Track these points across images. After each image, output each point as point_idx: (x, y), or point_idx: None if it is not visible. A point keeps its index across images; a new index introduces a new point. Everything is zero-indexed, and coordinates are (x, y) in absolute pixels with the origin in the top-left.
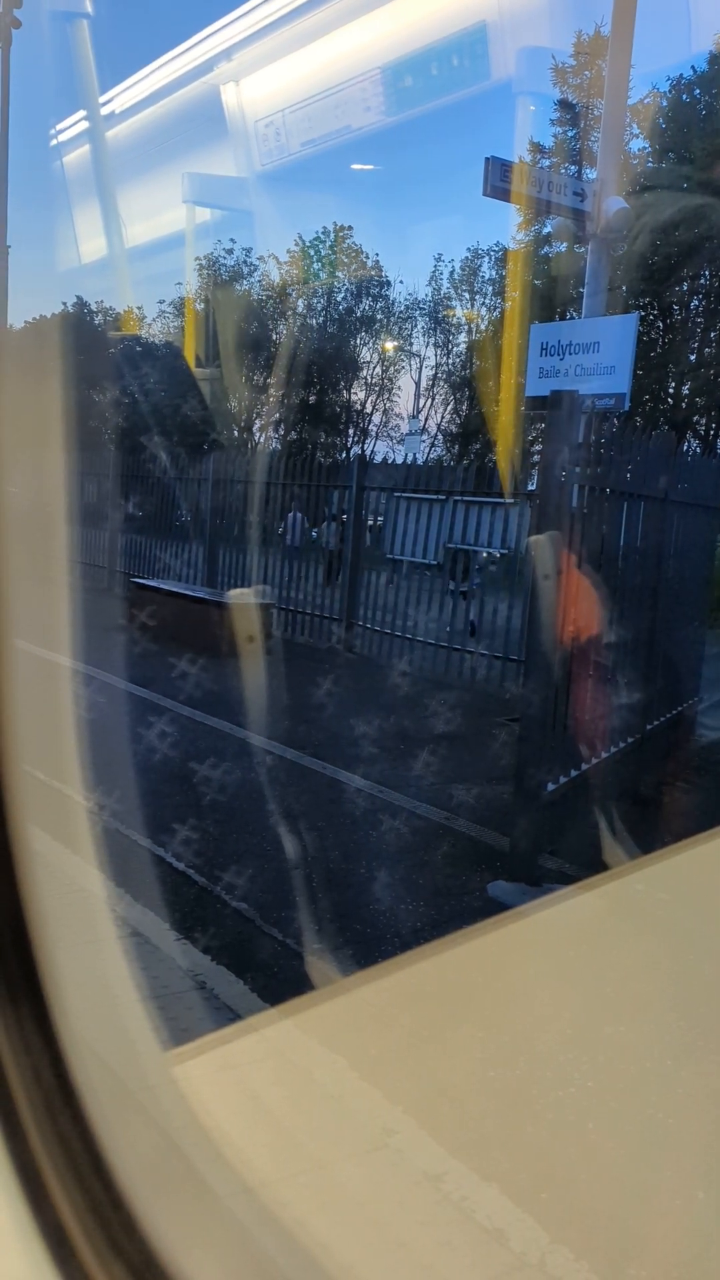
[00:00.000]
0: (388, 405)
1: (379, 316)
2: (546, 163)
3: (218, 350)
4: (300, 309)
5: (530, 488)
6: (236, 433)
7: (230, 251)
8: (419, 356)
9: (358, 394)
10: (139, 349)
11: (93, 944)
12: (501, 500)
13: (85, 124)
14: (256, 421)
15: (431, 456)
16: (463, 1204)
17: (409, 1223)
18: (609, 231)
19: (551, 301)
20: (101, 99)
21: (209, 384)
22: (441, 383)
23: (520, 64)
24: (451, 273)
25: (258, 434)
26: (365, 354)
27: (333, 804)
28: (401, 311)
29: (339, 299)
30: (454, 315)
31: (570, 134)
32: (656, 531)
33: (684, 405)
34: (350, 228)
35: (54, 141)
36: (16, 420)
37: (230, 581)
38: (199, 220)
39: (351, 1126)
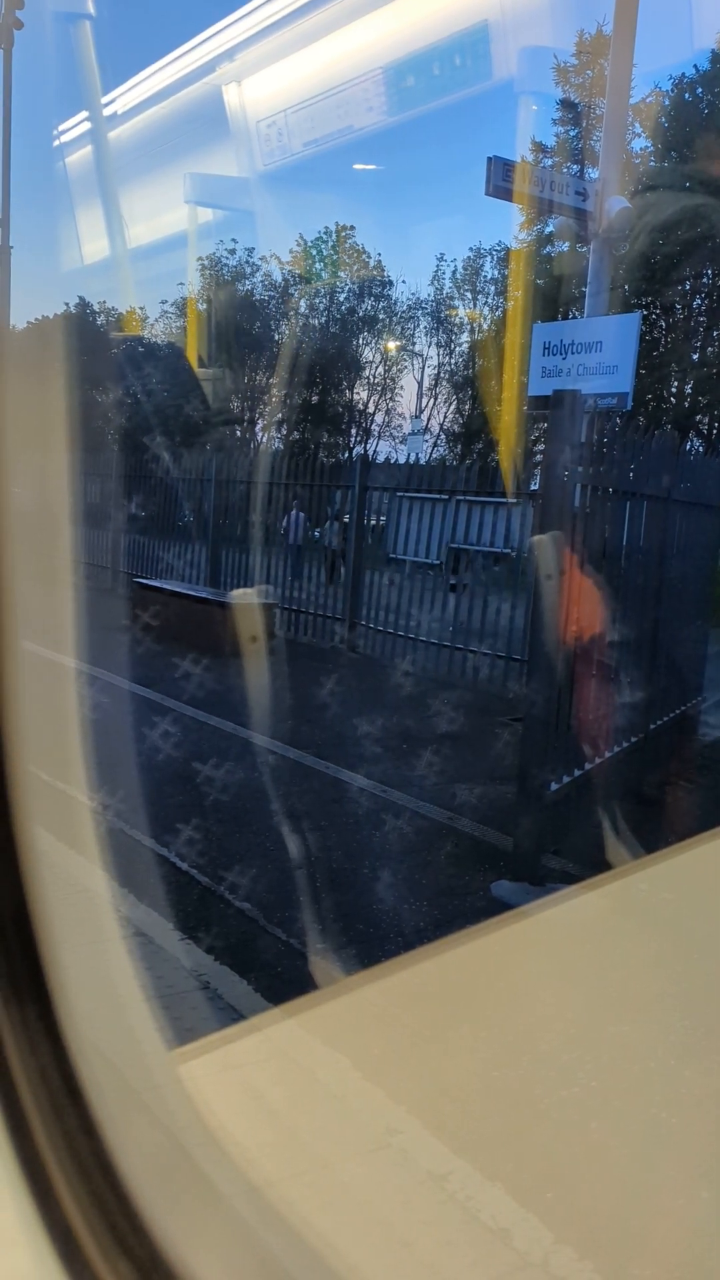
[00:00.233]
0: (390, 405)
1: (381, 316)
2: (549, 162)
3: (220, 350)
4: (302, 309)
5: (533, 487)
6: (239, 433)
7: (232, 252)
8: (421, 356)
9: (360, 394)
10: (141, 349)
11: (97, 944)
12: (504, 500)
13: (87, 125)
14: (259, 421)
15: (434, 456)
16: (467, 1204)
17: (413, 1222)
18: (611, 231)
19: (554, 301)
20: (103, 99)
21: (211, 384)
22: (444, 382)
23: (522, 63)
24: (454, 272)
25: (260, 434)
26: (368, 354)
27: (336, 804)
28: (404, 311)
29: (341, 299)
30: (456, 315)
31: (572, 133)
32: (659, 531)
33: (686, 404)
34: (352, 227)
35: (56, 142)
36: (20, 421)
37: (233, 581)
38: (201, 221)
39: (355, 1126)
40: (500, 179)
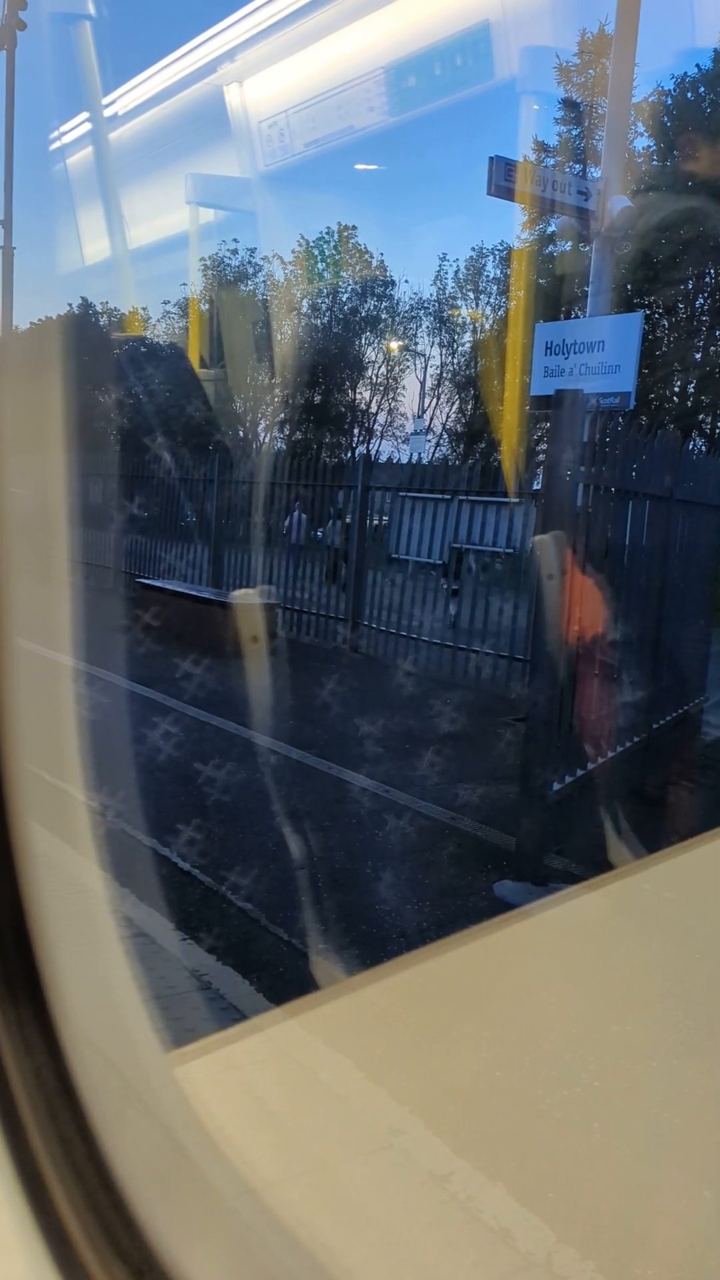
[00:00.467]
0: (392, 405)
1: (383, 316)
2: (551, 162)
3: (222, 351)
4: (305, 309)
5: (535, 487)
6: (241, 433)
7: (234, 252)
8: (424, 356)
9: (363, 394)
10: (144, 350)
11: (95, 944)
12: (506, 500)
13: (89, 126)
14: (261, 422)
15: (436, 456)
16: (468, 1204)
17: (414, 1223)
18: (613, 230)
19: (556, 301)
20: (105, 100)
21: (214, 384)
22: (446, 382)
23: (524, 63)
24: (456, 272)
25: (262, 434)
26: (370, 354)
27: (338, 803)
28: (406, 311)
29: (343, 299)
30: (459, 315)
31: (574, 133)
32: (661, 530)
33: (689, 404)
34: (354, 228)
35: (57, 143)
36: (22, 421)
37: (235, 582)
38: (203, 221)
39: (356, 1126)
40: (502, 178)
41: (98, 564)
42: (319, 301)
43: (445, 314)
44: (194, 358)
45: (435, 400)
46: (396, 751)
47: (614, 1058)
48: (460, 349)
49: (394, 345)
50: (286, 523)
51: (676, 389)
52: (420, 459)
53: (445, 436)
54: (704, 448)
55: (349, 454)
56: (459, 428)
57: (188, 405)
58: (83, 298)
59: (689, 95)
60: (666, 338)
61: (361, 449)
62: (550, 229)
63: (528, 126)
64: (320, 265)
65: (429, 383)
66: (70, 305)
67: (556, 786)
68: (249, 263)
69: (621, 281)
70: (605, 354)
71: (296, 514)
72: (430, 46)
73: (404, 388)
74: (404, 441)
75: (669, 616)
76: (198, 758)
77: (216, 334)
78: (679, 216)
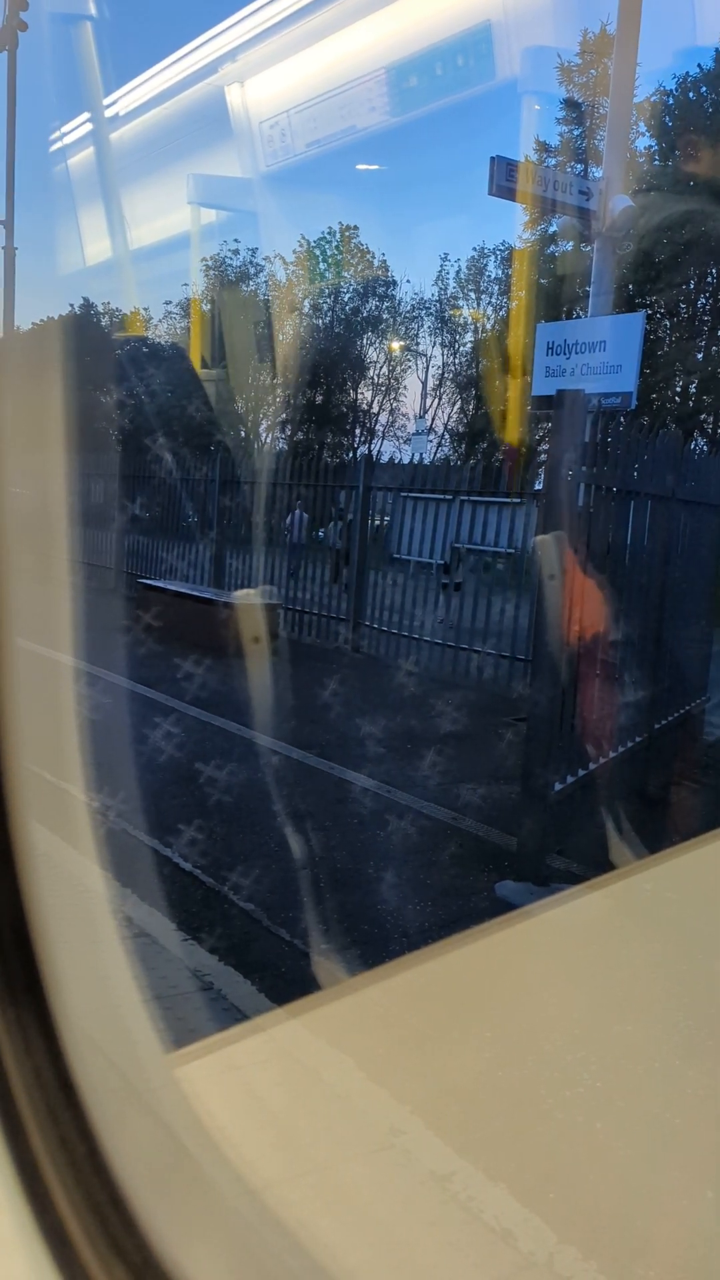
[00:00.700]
0: (394, 405)
1: (385, 316)
2: (552, 162)
3: (224, 351)
4: (306, 309)
5: (537, 487)
6: (243, 433)
7: (236, 252)
8: (425, 356)
9: (364, 394)
10: (145, 350)
11: (96, 943)
12: (508, 500)
13: (90, 126)
14: (263, 422)
15: (438, 456)
16: (470, 1204)
17: (415, 1223)
18: (615, 230)
19: (558, 301)
20: (106, 101)
21: (215, 385)
22: (448, 382)
23: (525, 63)
24: (457, 272)
25: (264, 434)
26: (372, 354)
27: (340, 804)
28: (408, 311)
29: (345, 299)
30: (460, 315)
31: (576, 133)
32: (663, 530)
33: (690, 404)
34: (356, 228)
35: (59, 144)
36: (24, 421)
37: (236, 582)
38: (204, 221)
39: (358, 1127)
40: (503, 178)
41: (99, 564)
42: (320, 302)
43: (447, 314)
44: (195, 358)
45: (437, 400)
46: (398, 751)
47: (615, 1058)
48: (462, 349)
49: (395, 345)
50: (287, 521)
51: (678, 389)
52: (422, 459)
53: (447, 437)
54: (706, 448)
55: (350, 454)
56: (460, 428)
57: (189, 405)
58: (84, 298)
59: (690, 95)
60: (668, 338)
61: (363, 449)
62: (552, 229)
63: (529, 126)
64: (322, 265)
65: (430, 383)
66: (72, 306)
67: (558, 786)
68: (250, 263)
69: (623, 281)
70: (607, 354)
71: (297, 513)
72: (432, 46)
73: (405, 388)
74: (405, 442)
75: (670, 616)
76: (199, 758)
77: (218, 334)
78: (680, 216)
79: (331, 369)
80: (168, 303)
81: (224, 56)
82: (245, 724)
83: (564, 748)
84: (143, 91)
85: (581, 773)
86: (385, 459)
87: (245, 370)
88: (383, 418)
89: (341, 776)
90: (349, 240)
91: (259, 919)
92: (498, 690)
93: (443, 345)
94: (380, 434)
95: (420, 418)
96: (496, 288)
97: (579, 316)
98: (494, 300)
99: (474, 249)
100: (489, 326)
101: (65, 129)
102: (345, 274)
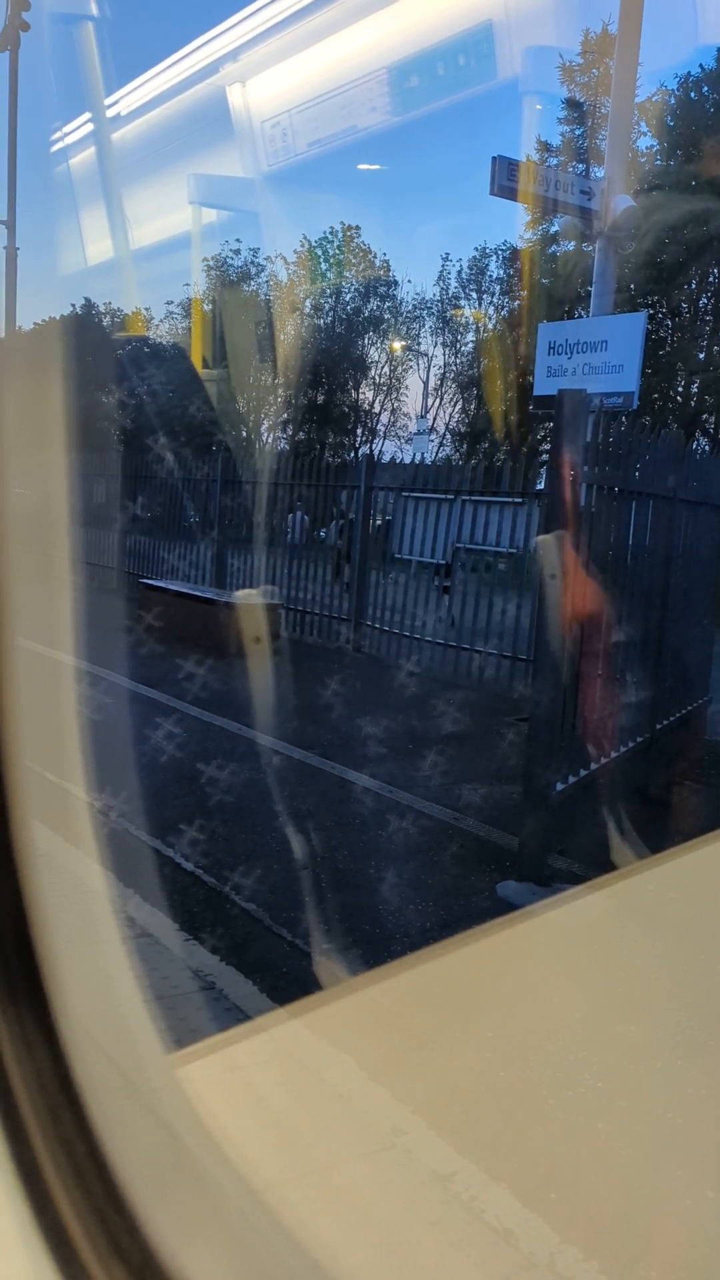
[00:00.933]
0: (395, 405)
1: (386, 316)
2: (554, 161)
3: (225, 351)
4: (307, 309)
5: (538, 487)
6: (244, 433)
7: (237, 252)
8: (427, 356)
9: (366, 394)
10: (146, 350)
11: (98, 944)
12: (510, 500)
13: (91, 126)
14: (264, 422)
15: (440, 456)
16: (471, 1204)
17: (417, 1223)
18: (617, 230)
19: (559, 301)
20: (107, 101)
21: (216, 385)
22: (450, 382)
23: (527, 63)
24: (459, 272)
25: (265, 434)
26: (373, 354)
27: (341, 804)
28: (409, 311)
29: (346, 299)
30: (461, 315)
31: (577, 132)
32: (665, 530)
33: (692, 404)
34: (357, 227)
35: (60, 144)
36: (25, 422)
37: (238, 582)
38: (206, 221)
39: (359, 1127)
40: (505, 178)
41: (101, 564)
42: (322, 302)
43: (448, 314)
44: (197, 358)
45: (438, 400)
46: (399, 751)
47: (617, 1058)
48: (463, 349)
49: (397, 345)
50: (287, 522)
51: (680, 389)
52: (423, 459)
53: (448, 436)
54: (707, 448)
55: (352, 454)
56: (462, 428)
57: (190, 405)
58: (86, 298)
59: (692, 94)
60: (670, 338)
61: (365, 449)
62: (554, 229)
63: (531, 126)
64: (323, 265)
65: (432, 383)
66: (73, 305)
67: (560, 787)
68: (252, 263)
69: (625, 281)
70: (608, 354)
71: (297, 514)
72: (433, 46)
73: (407, 388)
74: (407, 441)
75: (672, 617)
76: (200, 758)
77: (219, 334)
78: (682, 216)
79: (333, 369)
80: (169, 303)
81: (225, 56)
82: (246, 724)
83: (566, 748)
84: (144, 91)
85: (583, 773)
86: (387, 459)
87: (246, 370)
88: (384, 417)
89: (343, 776)
90: (350, 240)
91: (260, 919)
92: (499, 690)
93: (444, 345)
94: (381, 434)
95: (422, 417)
96: (498, 288)
97: (581, 316)
98: (495, 300)
99: (475, 249)
100: (490, 326)
101: (67, 129)
102: (347, 274)
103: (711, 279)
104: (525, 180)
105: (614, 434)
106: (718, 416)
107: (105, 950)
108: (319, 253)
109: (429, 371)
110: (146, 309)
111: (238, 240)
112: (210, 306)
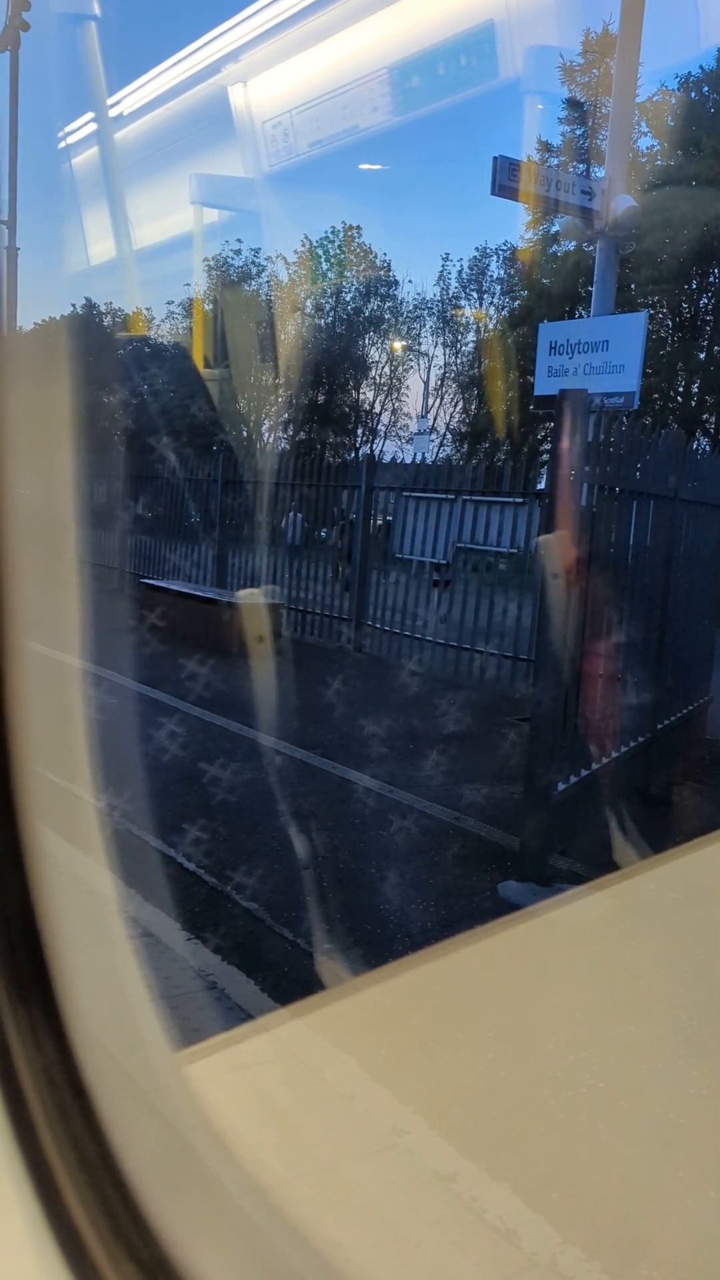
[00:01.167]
0: (396, 405)
1: (387, 316)
2: (555, 161)
3: (226, 351)
4: (309, 309)
5: (539, 487)
6: (246, 433)
7: (238, 252)
8: (427, 356)
9: (366, 394)
10: (148, 350)
11: (103, 944)
12: (510, 500)
13: (93, 126)
14: (265, 422)
15: (440, 456)
16: (473, 1204)
17: (420, 1222)
18: (617, 230)
19: (560, 300)
20: (109, 101)
21: (217, 385)
22: (450, 382)
23: (528, 63)
24: (460, 272)
25: (267, 434)
26: (374, 354)
27: (343, 804)
28: (410, 311)
29: (347, 299)
30: (462, 315)
31: (578, 132)
32: (666, 530)
33: (693, 404)
34: (358, 227)
35: (62, 144)
36: (26, 422)
37: (239, 582)
38: (207, 221)
39: (362, 1126)
40: (506, 178)
41: (103, 564)
42: (323, 301)
43: (449, 314)
44: (198, 358)
45: (439, 400)
46: (401, 751)
47: (618, 1058)
48: (464, 349)
49: (398, 345)
50: (284, 524)
51: (681, 389)
52: (424, 459)
53: (449, 436)
54: (708, 447)
55: (353, 454)
56: (463, 428)
57: (192, 405)
58: (87, 298)
59: (693, 94)
60: (671, 338)
61: (365, 449)
62: (554, 229)
63: (532, 126)
64: (324, 265)
65: (433, 383)
66: (75, 306)
67: (561, 786)
68: (253, 263)
69: (625, 281)
70: (609, 353)
71: (293, 515)
72: (434, 46)
73: (408, 388)
74: (408, 441)
75: (674, 617)
76: (203, 758)
77: (220, 334)
78: (683, 216)
79: (334, 369)
80: (170, 303)
81: (227, 56)
82: (248, 724)
83: (567, 748)
84: (146, 91)
85: (584, 773)
86: (388, 459)
87: (248, 370)
88: (385, 418)
89: (344, 776)
90: (351, 240)
91: (262, 919)
92: (500, 690)
93: (445, 345)
94: (382, 434)
95: (422, 417)
96: (499, 287)
97: (581, 316)
98: (496, 300)
99: (476, 249)
100: (491, 326)
101: (68, 129)
102: (347, 274)
103: (712, 278)
104: (526, 180)
105: (615, 434)
106: (718, 416)
107: (111, 951)
108: (320, 253)
109: (429, 371)
110: (148, 309)
111: (239, 240)
112: (211, 306)
